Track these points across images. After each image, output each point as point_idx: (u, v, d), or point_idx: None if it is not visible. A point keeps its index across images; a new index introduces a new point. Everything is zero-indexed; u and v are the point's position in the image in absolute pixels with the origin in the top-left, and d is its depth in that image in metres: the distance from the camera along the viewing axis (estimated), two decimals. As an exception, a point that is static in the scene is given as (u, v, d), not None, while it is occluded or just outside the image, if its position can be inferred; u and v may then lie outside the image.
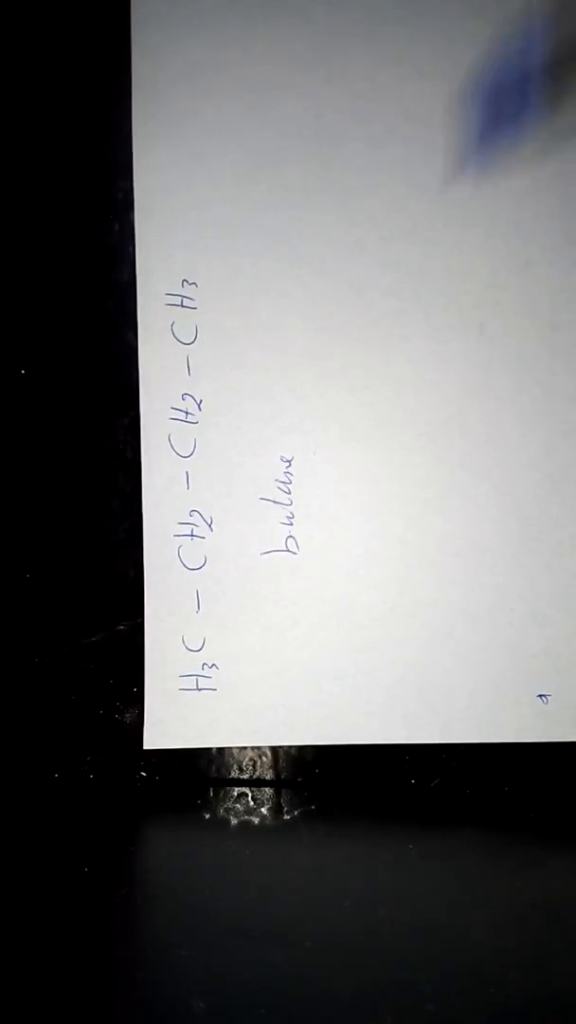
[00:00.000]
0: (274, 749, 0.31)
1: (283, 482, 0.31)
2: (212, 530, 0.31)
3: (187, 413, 0.31)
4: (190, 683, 0.29)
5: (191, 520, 0.31)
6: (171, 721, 0.29)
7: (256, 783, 0.31)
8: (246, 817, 0.29)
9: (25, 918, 0.23)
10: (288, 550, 0.31)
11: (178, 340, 0.31)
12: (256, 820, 0.29)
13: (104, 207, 0.33)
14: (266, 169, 0.31)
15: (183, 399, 0.31)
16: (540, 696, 0.29)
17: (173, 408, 0.31)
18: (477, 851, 0.28)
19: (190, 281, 0.31)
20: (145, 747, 0.29)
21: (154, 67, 0.31)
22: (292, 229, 0.31)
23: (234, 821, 0.29)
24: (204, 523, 0.31)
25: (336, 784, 0.30)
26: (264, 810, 0.30)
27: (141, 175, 0.31)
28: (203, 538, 0.31)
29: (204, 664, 0.29)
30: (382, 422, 0.31)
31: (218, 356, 0.31)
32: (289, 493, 0.31)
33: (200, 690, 0.29)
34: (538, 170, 0.31)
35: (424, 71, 0.31)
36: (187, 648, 0.29)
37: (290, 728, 0.29)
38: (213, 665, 0.29)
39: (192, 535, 0.31)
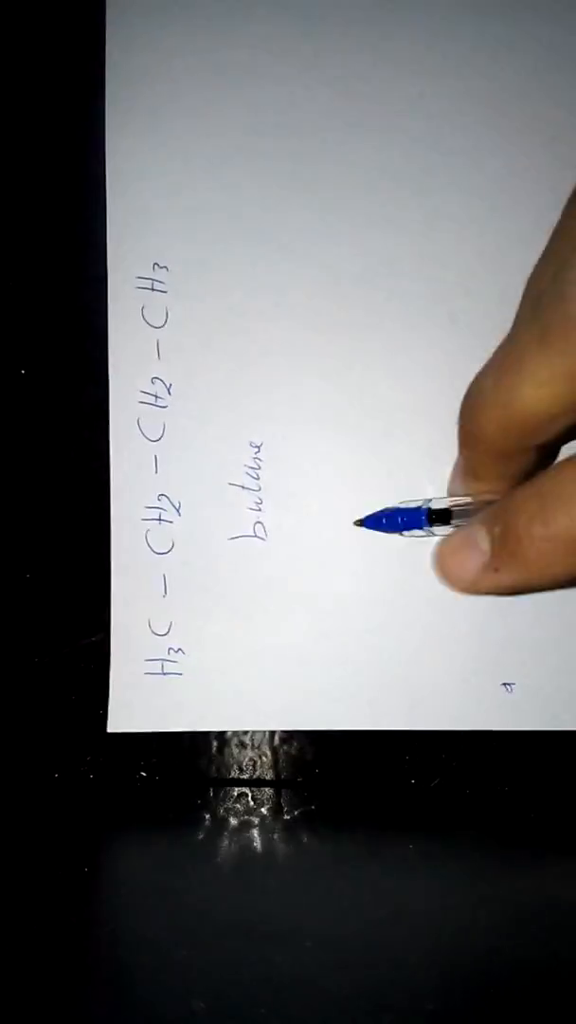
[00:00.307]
0: (274, 749, 0.31)
1: (252, 468, 0.31)
2: (180, 515, 0.31)
3: (156, 397, 0.31)
4: (155, 667, 0.29)
5: (159, 504, 0.31)
6: (136, 705, 0.29)
7: (256, 783, 0.31)
8: (246, 817, 0.29)
9: (24, 918, 0.23)
10: (256, 536, 0.31)
11: (148, 323, 0.31)
12: (256, 820, 0.29)
13: (77, 191, 0.33)
14: (239, 155, 0.31)
15: (152, 383, 0.31)
16: (504, 685, 0.29)
17: (142, 392, 0.31)
18: (477, 851, 0.28)
19: (161, 265, 0.31)
20: (109, 730, 0.29)
21: (127, 51, 0.31)
22: (265, 215, 0.31)
23: (234, 821, 0.29)
24: (172, 508, 0.31)
25: (336, 784, 0.30)
26: (264, 810, 0.30)
27: (113, 159, 0.31)
28: (171, 523, 0.31)
29: (170, 649, 0.29)
30: (352, 408, 0.31)
31: (188, 340, 0.31)
32: (258, 479, 0.31)
33: (165, 674, 0.29)
34: (511, 160, 0.31)
35: (399, 59, 0.31)
36: (153, 632, 0.29)
37: (255, 714, 0.29)
38: (179, 650, 0.29)
39: (160, 519, 0.31)
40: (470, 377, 0.24)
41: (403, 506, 0.26)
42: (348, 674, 0.29)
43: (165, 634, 0.29)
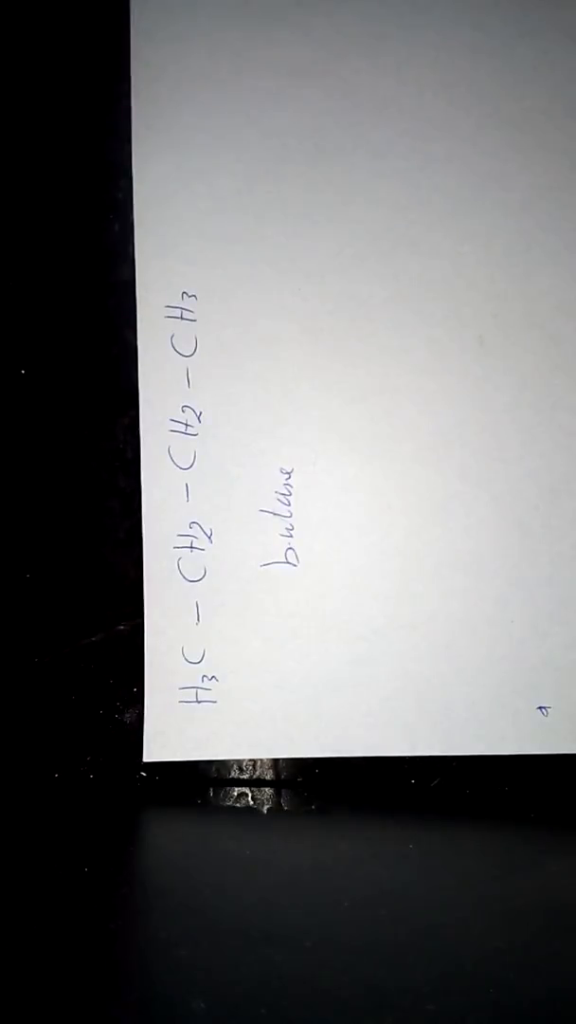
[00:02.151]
0: (274, 749, 0.31)
1: (283, 494, 0.31)
2: (212, 542, 0.31)
3: (187, 425, 0.31)
4: (190, 695, 0.29)
5: (191, 532, 0.31)
6: (171, 733, 0.29)
7: (256, 783, 0.31)
8: (246, 818, 0.29)
9: (25, 918, 0.23)
10: (288, 562, 0.31)
11: (178, 352, 0.31)
12: (256, 820, 0.29)
13: (104, 207, 0.33)
14: (266, 181, 0.31)
15: (183, 411, 0.31)
16: (540, 708, 0.29)
17: (173, 420, 0.31)
18: (477, 851, 0.28)
19: (189, 293, 0.31)
20: (145, 760, 0.29)
21: (154, 79, 0.31)
22: (291, 241, 0.31)
23: (234, 821, 0.29)
24: (204, 535, 0.31)
25: (336, 784, 0.30)
26: (264, 810, 0.30)
27: (140, 185, 0.31)
28: (203, 550, 0.31)
29: (204, 676, 0.29)
30: (382, 434, 0.31)
31: (218, 368, 0.31)
32: (289, 505, 0.31)
33: (200, 702, 0.29)
34: (538, 179, 0.31)
35: (424, 83, 0.31)
36: (187, 660, 0.29)
37: (289, 740, 0.29)
38: (213, 677, 0.29)
39: (192, 547, 0.31)
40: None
41: None
42: (382, 700, 0.29)
43: (198, 662, 0.29)
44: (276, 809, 0.30)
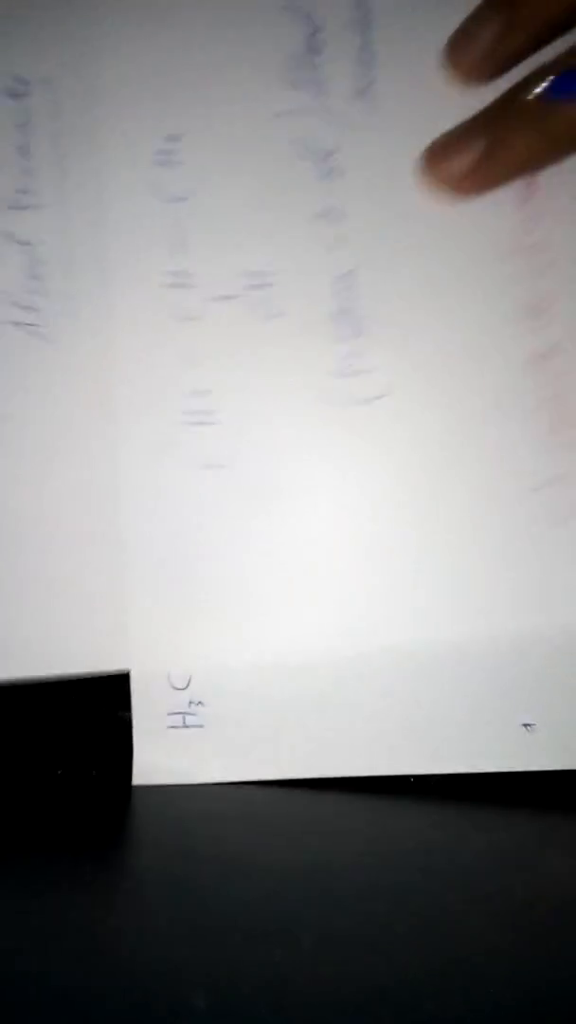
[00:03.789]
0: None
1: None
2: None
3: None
4: (177, 720, 0.30)
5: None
6: (160, 759, 0.29)
7: (256, 780, 0.31)
8: (246, 814, 0.29)
9: (24, 914, 0.23)
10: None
11: None
12: (256, 817, 0.28)
13: None
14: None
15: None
16: (525, 725, 0.30)
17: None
18: (477, 849, 0.27)
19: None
20: (134, 783, 0.30)
21: None
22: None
23: (234, 818, 0.28)
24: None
25: (336, 782, 0.31)
26: (264, 808, 0.30)
27: None
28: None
29: (190, 702, 0.30)
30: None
31: None
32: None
33: (187, 727, 0.29)
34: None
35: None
36: (173, 687, 0.30)
37: (276, 765, 0.30)
38: (199, 703, 0.29)
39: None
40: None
41: None
42: (368, 720, 0.30)
43: (185, 688, 0.30)
44: (276, 806, 0.30)
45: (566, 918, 0.24)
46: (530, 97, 0.26)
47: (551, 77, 0.26)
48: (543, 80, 0.26)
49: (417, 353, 0.28)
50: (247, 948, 0.21)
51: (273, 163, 0.28)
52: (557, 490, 0.28)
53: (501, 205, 0.28)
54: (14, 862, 0.26)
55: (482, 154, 0.27)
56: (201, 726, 0.29)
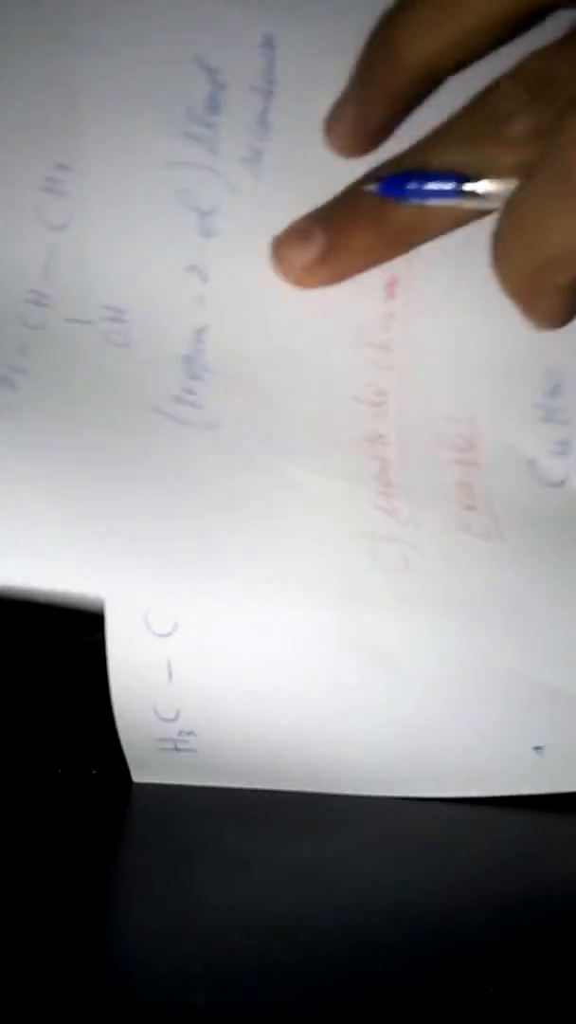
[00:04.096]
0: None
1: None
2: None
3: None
4: (168, 746, 0.29)
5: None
6: (155, 769, 0.29)
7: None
8: (246, 811, 0.28)
9: (24, 913, 0.22)
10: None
11: None
12: (256, 815, 0.28)
13: None
14: None
15: None
16: (535, 748, 0.29)
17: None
18: (476, 848, 0.27)
19: None
20: (134, 780, 0.29)
21: None
22: None
23: (234, 816, 0.28)
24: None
25: None
26: (264, 805, 0.29)
27: None
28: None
29: (181, 731, 0.27)
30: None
31: None
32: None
33: (179, 751, 0.29)
34: None
35: None
36: (160, 718, 0.28)
37: (275, 785, 0.29)
38: (191, 732, 0.27)
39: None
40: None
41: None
42: (373, 743, 0.29)
43: (174, 719, 0.29)
44: (276, 804, 0.29)
45: (566, 917, 0.24)
46: (366, 193, 0.27)
47: (382, 176, 0.27)
48: (375, 178, 0.27)
49: (253, 406, 0.29)
50: (247, 946, 0.22)
51: (156, 210, 0.29)
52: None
53: (364, 299, 0.29)
54: (13, 861, 0.25)
55: (323, 248, 0.27)
56: (194, 751, 0.27)
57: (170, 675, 0.27)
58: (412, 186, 0.27)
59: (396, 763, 0.28)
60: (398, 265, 0.29)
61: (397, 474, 0.29)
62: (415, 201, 0.27)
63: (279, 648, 0.28)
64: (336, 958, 0.21)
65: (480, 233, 0.29)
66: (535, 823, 0.29)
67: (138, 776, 0.28)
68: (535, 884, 0.25)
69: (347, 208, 0.28)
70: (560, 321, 0.27)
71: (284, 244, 0.28)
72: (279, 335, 0.29)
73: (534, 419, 0.29)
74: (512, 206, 0.26)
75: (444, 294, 0.30)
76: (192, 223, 0.29)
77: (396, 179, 0.27)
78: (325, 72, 0.29)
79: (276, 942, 0.22)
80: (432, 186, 0.27)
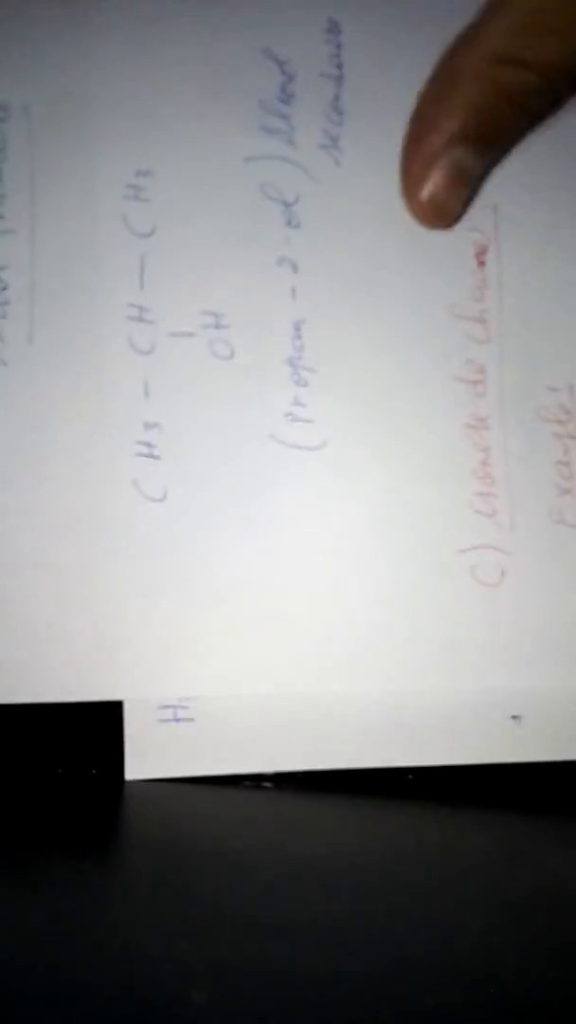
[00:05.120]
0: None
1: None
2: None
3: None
4: (168, 714, 0.30)
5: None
6: (152, 753, 0.30)
7: (256, 776, 0.30)
8: (246, 810, 0.29)
9: (24, 911, 0.23)
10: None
11: None
12: (256, 813, 0.29)
13: None
14: None
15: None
16: (513, 717, 0.30)
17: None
18: (478, 845, 0.28)
19: None
20: (127, 778, 0.31)
21: None
22: None
23: (233, 814, 0.29)
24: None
25: (335, 778, 0.31)
26: (264, 804, 0.29)
27: None
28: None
29: (181, 697, 0.29)
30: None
31: None
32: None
33: (179, 721, 0.30)
34: None
35: None
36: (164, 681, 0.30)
37: (268, 758, 0.30)
38: (191, 697, 0.29)
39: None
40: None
41: None
42: (357, 713, 0.29)
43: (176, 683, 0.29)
44: (275, 801, 0.29)
45: (565, 915, 0.24)
46: None
47: None
48: None
49: (358, 408, 0.29)
50: (247, 943, 0.22)
51: (240, 206, 0.29)
52: (481, 555, 0.29)
53: (454, 271, 0.29)
54: (12, 859, 0.26)
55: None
56: (192, 720, 0.29)
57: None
58: None
59: (381, 731, 0.29)
60: (486, 232, 0.29)
61: (497, 465, 0.29)
62: None
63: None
64: (335, 958, 0.21)
65: (566, 195, 0.29)
66: (535, 823, 0.30)
67: (132, 766, 0.29)
68: (535, 884, 0.25)
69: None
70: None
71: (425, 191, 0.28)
72: (372, 319, 0.29)
73: None
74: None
75: (534, 258, 0.29)
76: (278, 215, 0.29)
77: None
78: (392, 52, 0.29)
79: (276, 939, 0.22)
80: None
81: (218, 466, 0.29)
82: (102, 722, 0.29)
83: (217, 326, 0.29)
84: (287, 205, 0.29)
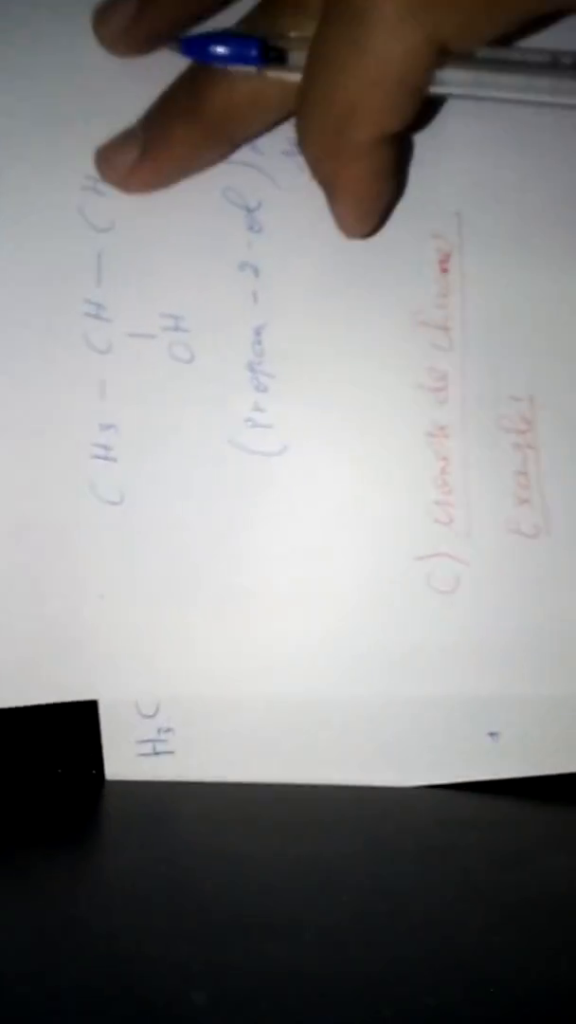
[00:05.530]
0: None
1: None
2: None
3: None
4: (147, 748, 0.29)
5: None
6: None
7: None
8: (245, 810, 0.29)
9: (23, 911, 0.23)
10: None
11: None
12: (255, 814, 0.29)
13: None
14: None
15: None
16: (491, 735, 0.30)
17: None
18: (479, 846, 0.28)
19: None
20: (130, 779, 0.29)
21: None
22: None
23: (233, 815, 0.28)
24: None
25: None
26: (261, 805, 0.29)
27: None
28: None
29: (159, 729, 0.29)
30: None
31: None
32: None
33: (157, 754, 0.29)
34: None
35: None
36: (141, 714, 0.29)
37: (246, 770, 0.29)
38: (169, 729, 0.29)
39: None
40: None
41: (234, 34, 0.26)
42: (337, 735, 0.29)
43: (153, 715, 0.29)
44: (274, 803, 0.29)
45: (564, 915, 0.24)
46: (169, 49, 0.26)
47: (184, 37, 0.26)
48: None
49: (319, 414, 0.29)
50: (247, 944, 0.22)
51: (202, 208, 0.29)
52: (438, 562, 0.29)
53: (418, 278, 0.29)
54: (8, 861, 0.26)
55: (142, 147, 0.27)
56: (172, 752, 0.29)
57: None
58: (215, 50, 0.25)
59: (360, 750, 0.29)
60: (450, 239, 0.29)
61: (456, 473, 0.29)
62: (219, 65, 0.26)
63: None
64: (334, 959, 0.21)
65: (530, 202, 0.29)
66: (535, 823, 0.30)
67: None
68: (535, 884, 0.26)
69: (162, 104, 0.27)
70: (367, 209, 0.27)
71: (108, 147, 0.28)
72: (334, 324, 0.29)
73: None
74: (309, 65, 0.24)
75: (498, 266, 0.29)
76: (240, 220, 0.29)
77: (198, 41, 0.26)
78: None
79: (276, 940, 0.22)
80: (234, 50, 0.25)
81: (176, 470, 0.29)
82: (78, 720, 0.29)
83: (177, 328, 0.29)
84: (249, 210, 0.29)
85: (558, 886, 0.25)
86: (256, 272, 0.29)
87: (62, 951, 0.21)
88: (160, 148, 0.27)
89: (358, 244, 0.29)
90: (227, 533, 0.29)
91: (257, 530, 0.29)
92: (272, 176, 0.29)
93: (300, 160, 0.28)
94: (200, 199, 0.29)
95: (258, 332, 0.29)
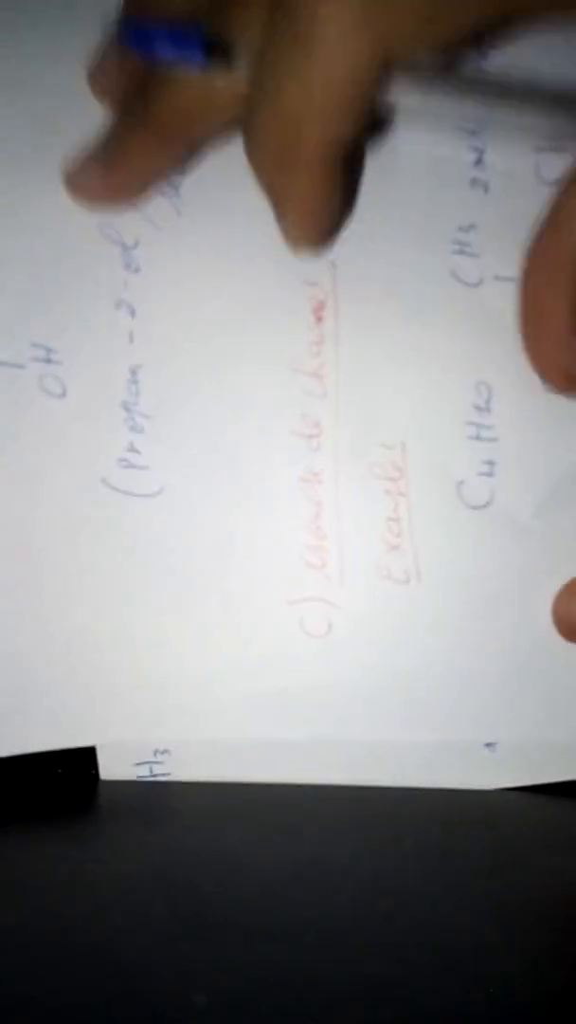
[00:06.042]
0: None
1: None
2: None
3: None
4: (144, 771, 0.29)
5: None
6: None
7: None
8: (245, 811, 0.29)
9: (23, 911, 0.23)
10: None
11: None
12: (254, 816, 0.29)
13: None
14: None
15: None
16: (487, 745, 0.30)
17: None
18: (479, 846, 0.28)
19: None
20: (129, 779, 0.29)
21: None
22: None
23: (233, 815, 0.29)
24: None
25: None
26: (261, 805, 0.29)
27: None
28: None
29: (156, 751, 0.29)
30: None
31: None
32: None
33: (155, 776, 0.29)
34: None
35: None
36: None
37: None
38: (165, 751, 0.29)
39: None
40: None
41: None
42: (334, 745, 0.30)
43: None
44: (273, 805, 0.29)
45: (563, 916, 0.25)
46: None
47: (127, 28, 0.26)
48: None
49: (195, 456, 0.29)
50: (247, 945, 0.22)
51: (77, 241, 0.28)
52: (310, 606, 0.29)
53: (293, 325, 0.29)
54: (12, 859, 0.26)
55: (104, 166, 0.27)
56: (168, 774, 0.29)
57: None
58: (160, 44, 0.25)
59: (359, 760, 0.30)
60: (324, 287, 0.29)
61: (329, 519, 0.30)
62: (163, 57, 0.25)
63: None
64: (334, 960, 0.22)
65: (403, 252, 0.30)
66: (534, 823, 0.30)
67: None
68: (535, 884, 0.26)
69: (116, 118, 0.27)
70: (313, 224, 0.27)
71: (73, 170, 0.27)
72: (210, 369, 0.29)
73: (463, 438, 0.30)
74: (255, 71, 0.24)
75: (371, 314, 0.30)
76: (117, 257, 0.28)
77: (141, 34, 0.25)
78: None
79: (276, 942, 0.22)
80: (178, 45, 0.25)
81: (45, 509, 0.28)
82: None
83: (48, 360, 0.28)
84: (126, 248, 0.28)
85: (558, 887, 0.26)
86: (132, 312, 0.29)
87: (62, 951, 0.21)
88: (120, 162, 0.27)
89: (235, 290, 0.29)
90: (97, 576, 0.29)
91: (130, 572, 0.29)
92: (149, 216, 0.28)
93: (178, 201, 0.28)
94: (75, 230, 0.28)
95: (134, 372, 0.29)
